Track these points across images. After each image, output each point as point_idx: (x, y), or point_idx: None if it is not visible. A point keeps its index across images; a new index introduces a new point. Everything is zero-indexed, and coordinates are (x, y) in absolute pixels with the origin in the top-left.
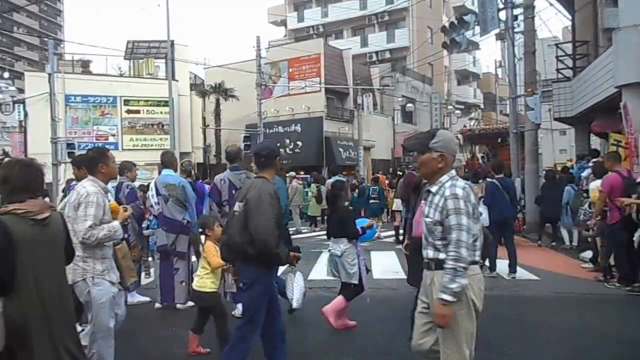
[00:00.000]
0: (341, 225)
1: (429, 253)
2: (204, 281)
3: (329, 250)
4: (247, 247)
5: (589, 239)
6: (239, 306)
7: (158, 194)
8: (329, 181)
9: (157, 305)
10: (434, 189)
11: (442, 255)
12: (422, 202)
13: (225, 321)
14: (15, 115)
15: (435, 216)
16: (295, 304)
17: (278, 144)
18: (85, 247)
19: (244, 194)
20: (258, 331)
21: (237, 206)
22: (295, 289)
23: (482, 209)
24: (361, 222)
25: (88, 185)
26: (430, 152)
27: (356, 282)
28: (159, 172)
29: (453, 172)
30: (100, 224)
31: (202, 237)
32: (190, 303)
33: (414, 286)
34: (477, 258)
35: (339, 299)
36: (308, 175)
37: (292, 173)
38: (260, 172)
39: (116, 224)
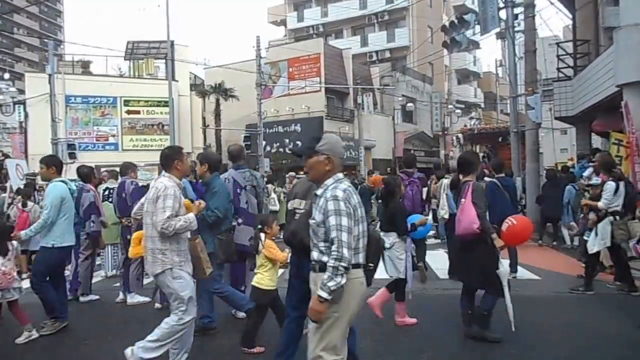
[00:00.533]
0: (392, 220)
1: (314, 255)
2: (262, 278)
3: None
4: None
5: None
6: None
7: None
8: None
9: (157, 305)
10: (319, 191)
11: (325, 258)
12: (462, 199)
13: (258, 326)
14: (15, 116)
15: (318, 218)
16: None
17: (278, 144)
18: (163, 240)
19: (306, 191)
20: None
21: (297, 203)
22: None
23: None
24: (413, 218)
25: (165, 181)
26: (317, 155)
27: (403, 276)
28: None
29: (340, 175)
30: (176, 215)
31: (262, 235)
32: None
33: (453, 279)
34: (361, 260)
35: (383, 291)
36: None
37: (292, 173)
38: None
39: (191, 215)
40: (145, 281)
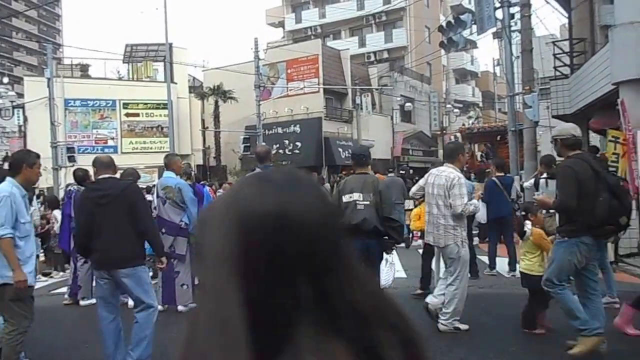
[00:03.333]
0: None
1: None
2: (532, 265)
3: None
4: (381, 227)
5: None
6: None
7: (158, 196)
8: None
9: (160, 307)
10: None
11: None
12: None
13: (535, 308)
14: (14, 120)
15: None
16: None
17: (277, 145)
18: (454, 218)
19: (362, 185)
20: None
21: (357, 196)
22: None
23: (482, 207)
24: None
25: (453, 171)
26: None
27: None
28: (159, 175)
29: None
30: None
31: (528, 223)
32: (193, 305)
33: None
34: None
35: (625, 308)
36: None
37: None
38: (363, 170)
39: (475, 201)
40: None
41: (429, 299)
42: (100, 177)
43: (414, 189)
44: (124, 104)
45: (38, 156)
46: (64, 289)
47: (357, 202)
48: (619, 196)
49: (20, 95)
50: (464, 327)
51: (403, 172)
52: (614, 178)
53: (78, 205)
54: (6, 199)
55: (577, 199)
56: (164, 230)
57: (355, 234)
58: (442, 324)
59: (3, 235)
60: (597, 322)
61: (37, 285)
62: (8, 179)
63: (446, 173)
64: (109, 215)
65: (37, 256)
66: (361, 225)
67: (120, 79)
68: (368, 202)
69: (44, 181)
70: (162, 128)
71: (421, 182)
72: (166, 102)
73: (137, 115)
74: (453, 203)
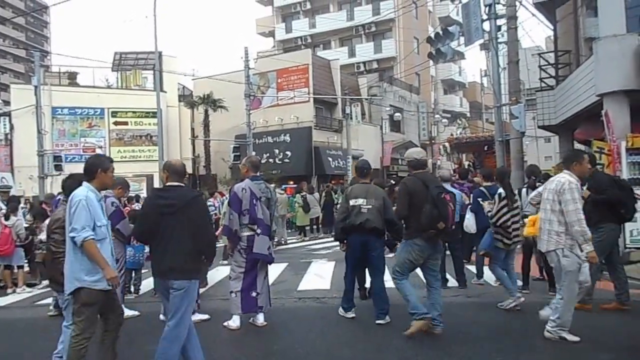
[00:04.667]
0: None
1: None
2: None
3: None
4: (381, 227)
5: None
6: (260, 316)
7: None
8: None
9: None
10: None
11: None
12: None
13: None
14: (0, 128)
15: None
16: None
17: (267, 154)
18: (560, 224)
19: (365, 192)
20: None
21: (361, 201)
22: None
23: (470, 216)
24: None
25: (566, 176)
26: None
27: None
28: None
29: None
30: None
31: None
32: (199, 317)
33: None
34: None
35: None
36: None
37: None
38: (365, 180)
39: (579, 206)
40: (131, 296)
41: (543, 310)
42: (169, 184)
43: (532, 194)
44: (112, 112)
45: (111, 161)
46: (49, 300)
47: (362, 206)
48: (438, 206)
49: (7, 102)
50: (572, 338)
51: (393, 182)
52: (437, 190)
53: (142, 207)
54: (81, 202)
55: (409, 209)
56: None
57: (358, 231)
58: (547, 331)
59: (86, 238)
60: (424, 308)
61: (21, 297)
62: (84, 183)
63: (559, 178)
64: (170, 225)
65: (21, 267)
66: (363, 224)
67: (109, 87)
68: (371, 207)
69: (30, 190)
70: (151, 137)
71: (540, 188)
72: (155, 110)
73: (126, 123)
74: (565, 208)
